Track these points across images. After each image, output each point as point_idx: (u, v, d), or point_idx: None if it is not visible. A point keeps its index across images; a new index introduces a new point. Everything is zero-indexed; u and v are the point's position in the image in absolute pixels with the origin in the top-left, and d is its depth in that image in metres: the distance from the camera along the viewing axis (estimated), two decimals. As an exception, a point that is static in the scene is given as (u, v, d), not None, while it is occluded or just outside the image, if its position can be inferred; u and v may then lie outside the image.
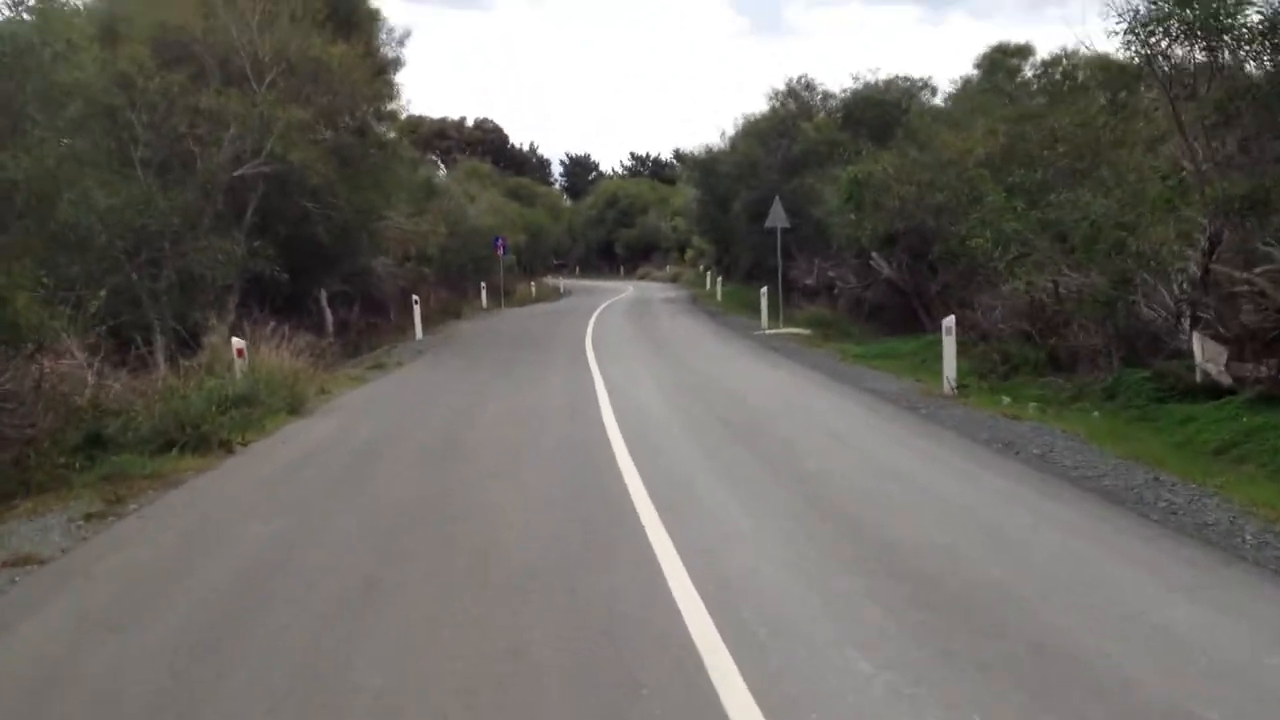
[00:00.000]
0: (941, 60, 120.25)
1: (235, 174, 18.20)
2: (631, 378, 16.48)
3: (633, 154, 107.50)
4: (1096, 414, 12.03)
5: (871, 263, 22.63)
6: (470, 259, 39.71)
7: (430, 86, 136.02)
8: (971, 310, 17.52)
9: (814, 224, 27.63)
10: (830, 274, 26.94)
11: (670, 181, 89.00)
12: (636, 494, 8.28)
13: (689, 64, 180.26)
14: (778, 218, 24.83)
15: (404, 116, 26.20)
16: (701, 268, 57.86)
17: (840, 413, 12.88)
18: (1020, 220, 15.73)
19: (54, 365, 11.46)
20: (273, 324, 16.29)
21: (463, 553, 6.88)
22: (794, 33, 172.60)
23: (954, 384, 13.77)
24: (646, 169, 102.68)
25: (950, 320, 14.01)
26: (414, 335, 26.65)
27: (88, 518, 8.21)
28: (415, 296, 27.32)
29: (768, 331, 24.72)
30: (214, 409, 11.74)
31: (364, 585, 6.19)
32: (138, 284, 15.75)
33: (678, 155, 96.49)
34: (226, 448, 10.89)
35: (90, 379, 11.60)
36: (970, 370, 14.68)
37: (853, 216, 22.88)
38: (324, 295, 25.45)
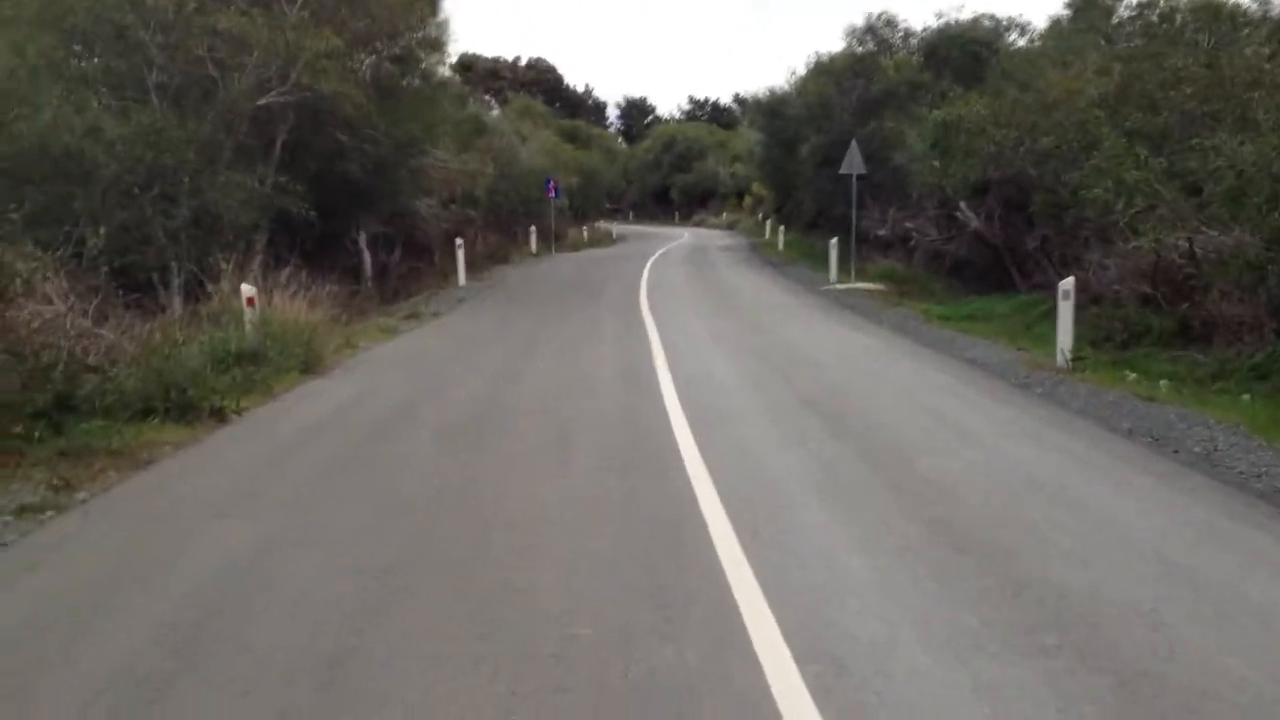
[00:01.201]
0: (1016, 5, 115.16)
1: (259, 103, 16.47)
2: (692, 338, 14.64)
3: (691, 98, 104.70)
4: (1248, 397, 10.08)
5: (958, 214, 20.51)
6: (520, 202, 37.85)
7: (483, 23, 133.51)
8: (1080, 269, 15.49)
9: (890, 171, 25.47)
10: (907, 225, 24.76)
11: (729, 126, 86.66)
12: (709, 507, 6.42)
13: (751, 7, 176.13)
14: (854, 163, 22.72)
15: (450, 44, 23.97)
16: (760, 215, 55.74)
17: (942, 390, 10.89)
18: (1144, 169, 13.64)
19: (22, 313, 9.81)
20: (289, 269, 14.52)
21: (480, 592, 5.11)
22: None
23: (1069, 356, 11.80)
24: (705, 113, 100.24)
25: (1069, 283, 11.99)
26: (457, 282, 24.96)
27: (20, 512, 6.54)
28: (459, 240, 25.53)
29: (838, 286, 22.71)
30: (210, 368, 10.09)
31: (337, 653, 4.44)
32: (151, 220, 14.09)
33: (738, 99, 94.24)
34: (219, 416, 9.18)
35: (69, 328, 9.89)
36: (1080, 338, 12.69)
37: (936, 163, 20.79)
38: (363, 237, 23.80)
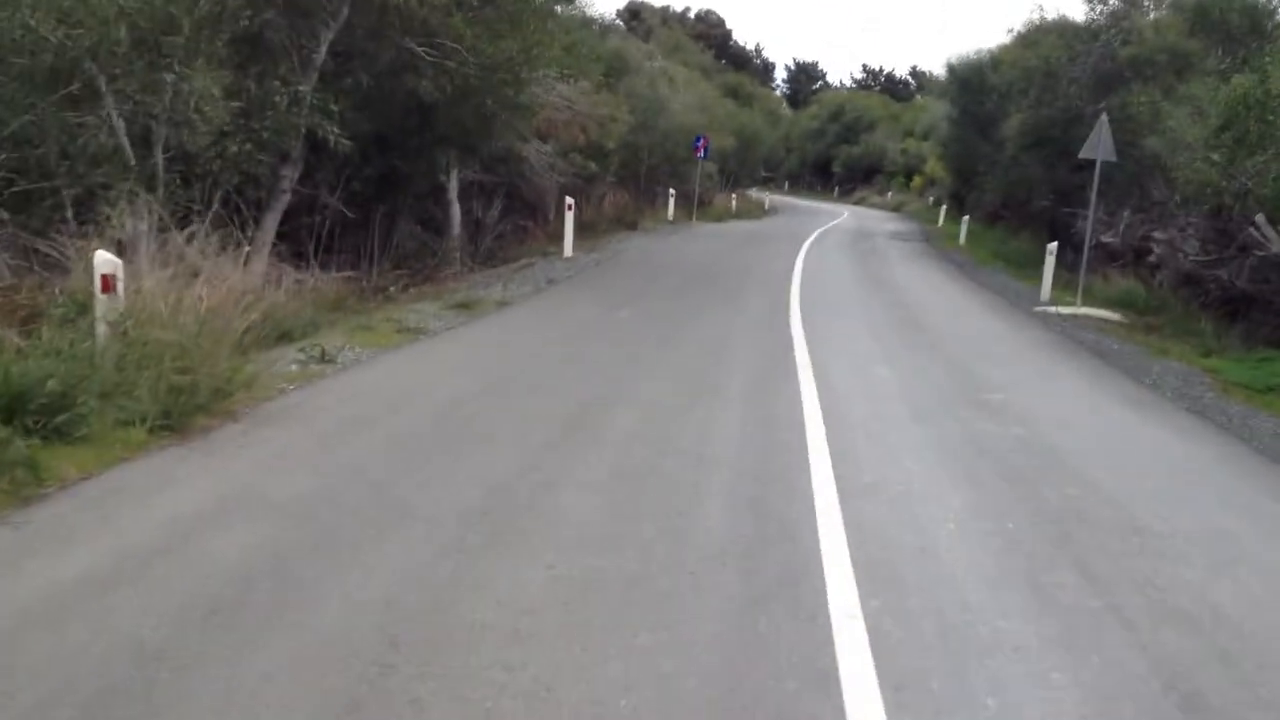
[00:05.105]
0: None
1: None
2: (875, 407, 8.90)
3: (865, 66, 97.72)
4: None
5: (1253, 229, 14.51)
6: (664, 159, 32.55)
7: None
8: None
9: (1132, 162, 19.50)
10: (1155, 235, 18.78)
11: (904, 100, 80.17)
12: None
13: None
14: (1102, 146, 16.74)
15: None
16: (932, 200, 49.56)
17: None
18: None
19: None
20: (193, 229, 9.15)
21: None
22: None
23: None
24: (879, 84, 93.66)
25: None
26: (563, 250, 19.84)
27: None
28: (570, 199, 20.32)
29: (1059, 310, 16.76)
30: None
31: None
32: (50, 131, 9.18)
33: (915, 72, 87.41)
34: None
35: None
36: None
37: (1214, 157, 14.92)
38: (453, 185, 18.82)
